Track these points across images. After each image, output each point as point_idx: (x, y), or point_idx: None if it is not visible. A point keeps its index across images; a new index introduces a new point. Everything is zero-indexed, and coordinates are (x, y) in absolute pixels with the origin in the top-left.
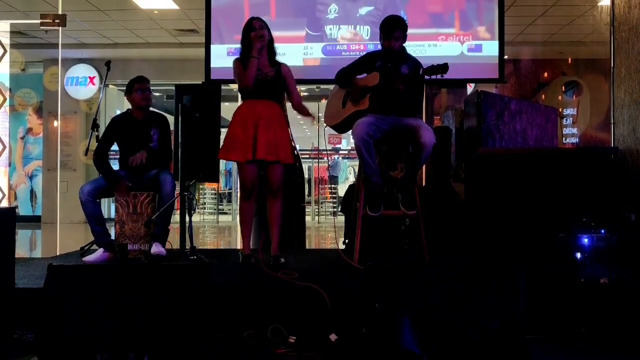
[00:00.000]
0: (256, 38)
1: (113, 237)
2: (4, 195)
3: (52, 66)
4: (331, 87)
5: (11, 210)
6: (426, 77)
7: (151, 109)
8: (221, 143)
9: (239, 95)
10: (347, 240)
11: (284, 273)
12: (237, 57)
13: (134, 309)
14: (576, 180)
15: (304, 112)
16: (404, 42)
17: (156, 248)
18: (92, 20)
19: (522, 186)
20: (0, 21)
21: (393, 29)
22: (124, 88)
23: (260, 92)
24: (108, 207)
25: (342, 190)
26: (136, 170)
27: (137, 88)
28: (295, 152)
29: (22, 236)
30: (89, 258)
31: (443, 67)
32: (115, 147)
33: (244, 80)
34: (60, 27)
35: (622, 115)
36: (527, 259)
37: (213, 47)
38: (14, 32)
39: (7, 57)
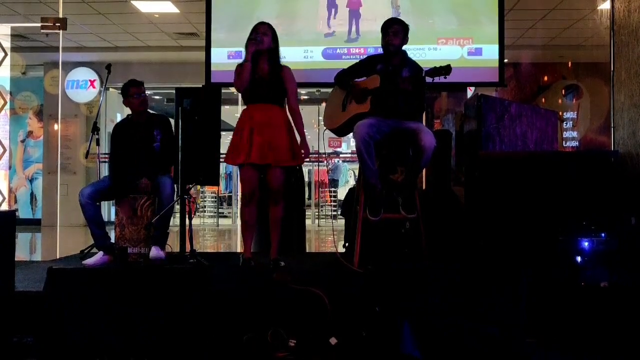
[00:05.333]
0: (251, 42)
1: (113, 240)
2: (4, 198)
3: (53, 69)
4: (331, 90)
5: (11, 214)
6: (429, 78)
7: (150, 111)
8: (223, 147)
9: (239, 99)
10: (347, 244)
11: (283, 276)
12: (240, 62)
13: (134, 312)
14: (576, 183)
15: (297, 119)
16: (404, 41)
17: (155, 251)
18: (93, 23)
19: (522, 190)
20: (1, 24)
21: (390, 24)
22: None
23: (257, 95)
24: (108, 210)
25: (342, 193)
26: (137, 174)
27: (133, 92)
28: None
29: (22, 239)
30: (89, 261)
31: (446, 69)
32: None
33: (236, 83)
34: (60, 31)
35: (622, 118)
36: (527, 263)
37: (213, 51)
38: (15, 35)
39: (7, 61)
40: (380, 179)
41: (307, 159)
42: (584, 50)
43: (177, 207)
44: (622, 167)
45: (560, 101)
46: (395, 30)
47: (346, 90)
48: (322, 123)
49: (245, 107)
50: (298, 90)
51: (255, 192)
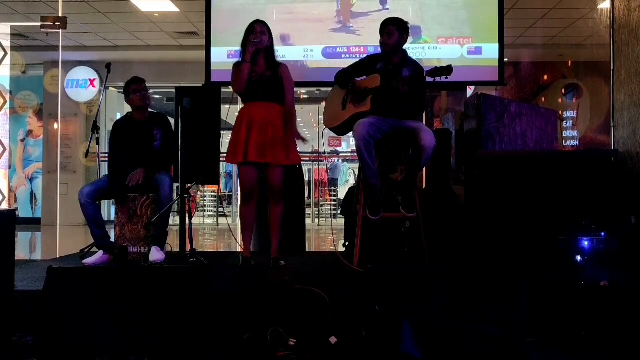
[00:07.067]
0: (250, 43)
1: (113, 240)
2: (4, 197)
3: (53, 69)
4: (331, 89)
5: (11, 213)
6: (430, 78)
7: (151, 110)
8: (222, 146)
9: (239, 98)
10: (347, 243)
11: (279, 276)
12: (237, 61)
13: (134, 312)
14: (576, 183)
15: (292, 121)
16: (401, 40)
17: (155, 254)
18: (93, 22)
19: (522, 189)
20: (1, 23)
21: (385, 25)
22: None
23: (256, 93)
24: (108, 210)
25: (342, 192)
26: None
27: (133, 89)
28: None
29: (22, 238)
30: (88, 260)
31: (447, 69)
32: None
33: (235, 85)
34: (60, 30)
35: (622, 117)
36: (527, 262)
37: (213, 50)
38: (15, 34)
39: (7, 60)
40: (380, 178)
41: (307, 158)
42: (584, 49)
43: (177, 205)
44: (622, 166)
45: (560, 100)
46: (389, 32)
47: (346, 90)
48: (322, 122)
49: (243, 105)
50: (298, 89)
51: (255, 191)
